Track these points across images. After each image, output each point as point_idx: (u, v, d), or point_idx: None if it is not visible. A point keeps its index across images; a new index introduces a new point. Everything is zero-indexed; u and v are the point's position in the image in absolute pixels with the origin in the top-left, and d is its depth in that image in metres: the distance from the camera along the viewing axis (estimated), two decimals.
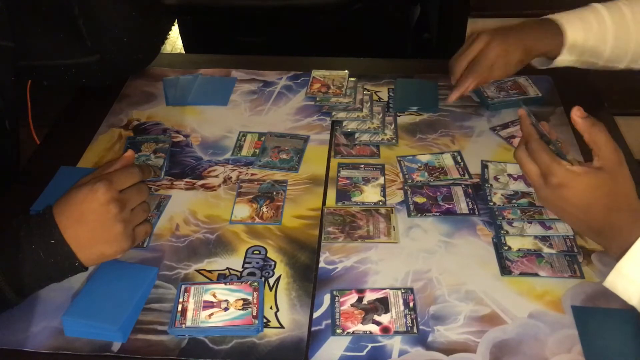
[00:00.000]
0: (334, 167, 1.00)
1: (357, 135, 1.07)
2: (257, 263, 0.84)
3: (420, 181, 0.97)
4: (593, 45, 1.01)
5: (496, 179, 0.95)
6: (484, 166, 0.98)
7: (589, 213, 0.74)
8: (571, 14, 1.02)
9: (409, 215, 0.91)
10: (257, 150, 1.04)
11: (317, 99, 1.15)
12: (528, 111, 0.81)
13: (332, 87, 1.17)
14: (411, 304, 0.78)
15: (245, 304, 0.77)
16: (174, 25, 2.31)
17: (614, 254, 0.72)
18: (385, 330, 0.75)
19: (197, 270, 0.83)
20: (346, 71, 1.20)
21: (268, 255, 0.86)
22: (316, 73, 1.20)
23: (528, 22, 1.05)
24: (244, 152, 1.04)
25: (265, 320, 0.77)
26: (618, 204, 0.73)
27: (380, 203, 0.93)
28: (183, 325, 0.75)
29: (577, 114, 0.75)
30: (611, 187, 0.73)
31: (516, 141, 1.02)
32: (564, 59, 1.03)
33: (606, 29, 1.01)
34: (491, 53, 1.02)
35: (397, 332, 0.75)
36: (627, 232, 0.71)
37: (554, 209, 0.78)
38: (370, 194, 0.95)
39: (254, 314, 0.76)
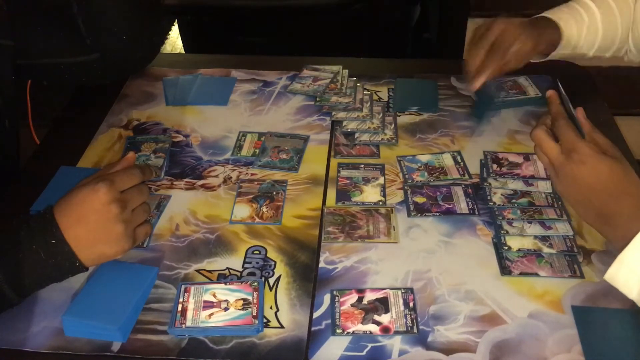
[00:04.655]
0: (334, 167, 1.00)
1: (357, 135, 1.06)
2: (257, 263, 0.84)
3: (420, 181, 0.97)
4: (585, 38, 1.04)
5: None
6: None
7: (602, 195, 0.75)
8: (564, 10, 1.04)
9: (409, 215, 0.91)
10: (257, 150, 1.03)
11: (317, 98, 1.15)
12: (560, 90, 0.83)
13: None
14: (411, 304, 0.78)
15: (245, 304, 0.77)
16: (174, 25, 2.31)
17: (618, 244, 0.73)
18: (385, 330, 0.75)
19: (197, 270, 0.83)
20: (340, 66, 1.20)
21: (268, 255, 0.86)
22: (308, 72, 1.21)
23: (527, 20, 1.05)
24: (244, 152, 1.04)
25: (265, 320, 0.77)
26: (630, 189, 0.74)
27: (380, 203, 0.93)
28: (183, 325, 0.75)
29: (582, 113, 0.80)
30: (625, 172, 0.75)
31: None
32: (558, 53, 1.05)
33: (596, 22, 1.03)
34: (509, 37, 0.99)
35: (397, 332, 0.75)
36: (633, 220, 0.72)
37: (569, 190, 0.79)
38: (370, 194, 0.95)
39: (254, 314, 0.76)
